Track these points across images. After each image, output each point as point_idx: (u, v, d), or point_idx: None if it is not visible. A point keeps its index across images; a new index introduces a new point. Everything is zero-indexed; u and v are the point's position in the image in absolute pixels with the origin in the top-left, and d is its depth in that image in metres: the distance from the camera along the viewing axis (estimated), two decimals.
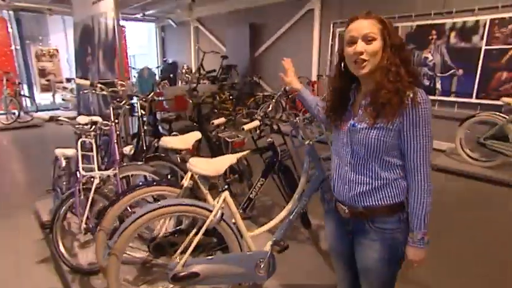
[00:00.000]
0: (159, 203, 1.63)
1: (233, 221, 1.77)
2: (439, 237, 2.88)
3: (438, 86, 5.33)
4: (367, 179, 1.20)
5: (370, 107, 1.15)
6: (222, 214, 1.65)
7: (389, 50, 1.10)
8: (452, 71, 5.15)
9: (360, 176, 1.21)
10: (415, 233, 1.16)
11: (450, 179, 4.32)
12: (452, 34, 5.05)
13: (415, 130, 1.10)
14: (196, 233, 1.63)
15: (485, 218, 3.25)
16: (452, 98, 5.21)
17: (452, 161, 4.65)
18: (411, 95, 1.08)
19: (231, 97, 7.36)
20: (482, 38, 4.77)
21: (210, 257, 1.70)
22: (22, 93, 8.07)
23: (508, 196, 3.81)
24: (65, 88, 9.27)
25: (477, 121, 4.46)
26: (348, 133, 1.23)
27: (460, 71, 5.07)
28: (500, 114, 4.23)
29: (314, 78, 7.12)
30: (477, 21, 4.78)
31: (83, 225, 2.15)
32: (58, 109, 9.16)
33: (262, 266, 1.75)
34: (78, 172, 2.20)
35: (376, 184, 1.19)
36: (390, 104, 1.08)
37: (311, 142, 1.84)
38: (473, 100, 4.98)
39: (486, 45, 4.75)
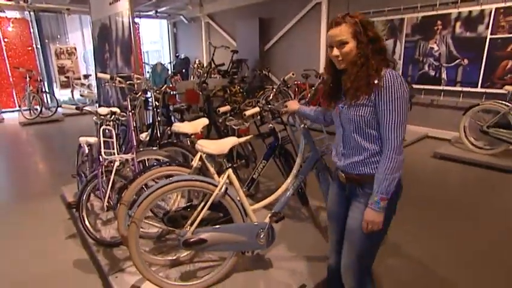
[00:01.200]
0: (171, 178, 1.87)
1: (238, 198, 1.99)
2: (442, 220, 3.04)
3: (444, 76, 5.39)
4: (356, 151, 1.43)
5: (349, 90, 1.36)
6: (226, 188, 1.88)
7: (363, 45, 1.31)
8: (457, 60, 5.20)
9: (349, 150, 1.45)
10: (374, 194, 1.35)
11: (454, 166, 4.43)
12: (458, 24, 5.09)
13: (385, 106, 1.29)
14: (204, 206, 1.86)
15: (488, 203, 3.37)
16: (457, 88, 5.27)
17: (456, 149, 4.75)
18: (376, 81, 1.29)
19: (241, 90, 7.56)
20: (487, 27, 4.81)
21: (216, 226, 1.93)
22: (43, 89, 8.49)
23: (511, 182, 3.90)
24: (82, 84, 9.68)
25: (481, 109, 4.53)
26: (338, 115, 1.47)
27: (466, 61, 5.12)
28: (503, 102, 4.29)
29: (322, 70, 7.22)
30: (482, 11, 4.82)
31: (105, 203, 2.42)
32: (76, 104, 9.58)
33: (262, 235, 1.97)
34: (100, 156, 2.48)
35: (364, 155, 1.40)
36: (358, 88, 1.31)
37: (306, 126, 2.04)
38: (479, 89, 5.04)
39: (491, 34, 4.79)
